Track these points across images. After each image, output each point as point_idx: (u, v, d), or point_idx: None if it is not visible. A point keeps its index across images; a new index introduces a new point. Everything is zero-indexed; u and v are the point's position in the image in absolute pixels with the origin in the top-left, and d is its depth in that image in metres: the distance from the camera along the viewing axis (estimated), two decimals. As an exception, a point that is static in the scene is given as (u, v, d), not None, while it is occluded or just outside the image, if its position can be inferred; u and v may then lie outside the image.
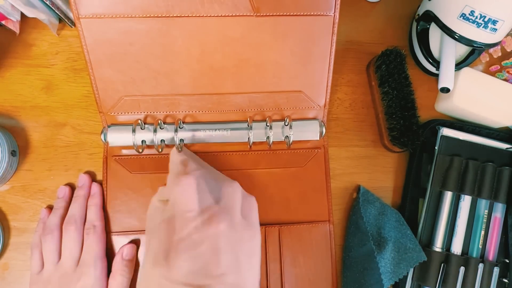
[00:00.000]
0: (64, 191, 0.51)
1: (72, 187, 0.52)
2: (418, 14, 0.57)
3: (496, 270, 0.53)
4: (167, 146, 0.52)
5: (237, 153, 0.53)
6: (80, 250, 0.47)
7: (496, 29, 0.49)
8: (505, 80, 0.58)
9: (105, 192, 0.51)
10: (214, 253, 0.39)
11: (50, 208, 0.51)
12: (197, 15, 0.46)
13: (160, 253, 0.40)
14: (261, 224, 0.51)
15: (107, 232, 0.50)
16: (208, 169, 0.49)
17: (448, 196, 0.54)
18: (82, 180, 0.51)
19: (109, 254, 0.50)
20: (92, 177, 0.53)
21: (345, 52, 0.59)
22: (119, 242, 0.50)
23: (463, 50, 0.57)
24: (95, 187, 0.51)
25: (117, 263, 0.48)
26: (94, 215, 0.49)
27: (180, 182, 0.42)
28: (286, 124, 0.52)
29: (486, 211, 0.54)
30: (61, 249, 0.47)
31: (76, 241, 0.47)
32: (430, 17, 0.54)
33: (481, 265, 0.52)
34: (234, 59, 0.49)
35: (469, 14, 0.49)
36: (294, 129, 0.52)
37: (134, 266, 0.49)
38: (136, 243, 0.50)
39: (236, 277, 0.40)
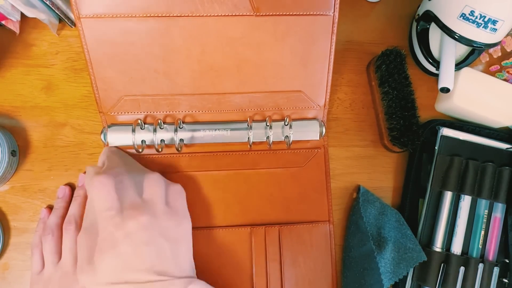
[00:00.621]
0: (64, 191, 0.51)
1: (72, 187, 0.52)
2: (418, 14, 0.57)
3: (496, 270, 0.53)
4: (167, 146, 0.52)
5: (237, 153, 0.53)
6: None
7: (496, 29, 0.49)
8: (505, 80, 0.58)
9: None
10: (137, 247, 0.40)
11: (50, 208, 0.51)
12: (197, 15, 0.46)
13: (84, 259, 0.41)
14: (261, 224, 0.51)
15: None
16: (131, 165, 0.49)
17: (448, 196, 0.54)
18: (82, 180, 0.51)
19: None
20: None
21: (345, 52, 0.59)
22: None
23: (463, 50, 0.57)
24: None
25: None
26: None
27: (94, 183, 0.42)
28: (286, 124, 0.52)
29: (486, 211, 0.54)
30: (62, 249, 0.47)
31: (74, 240, 0.47)
32: (430, 17, 0.54)
33: (481, 265, 0.52)
34: (234, 59, 0.49)
35: (469, 14, 0.49)
36: (294, 129, 0.52)
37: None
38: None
39: (164, 267, 0.40)
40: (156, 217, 0.42)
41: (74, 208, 0.49)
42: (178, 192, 0.47)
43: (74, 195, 0.51)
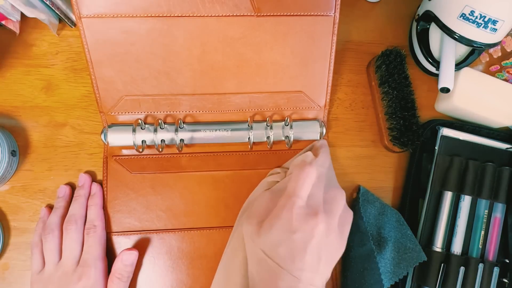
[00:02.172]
0: (64, 190, 0.51)
1: (72, 187, 0.52)
2: (418, 14, 0.57)
3: (496, 270, 0.53)
4: (168, 146, 0.52)
5: (238, 153, 0.53)
6: (81, 250, 0.47)
7: (496, 29, 0.49)
8: (505, 80, 0.58)
9: (105, 192, 0.51)
10: (304, 247, 0.41)
11: (50, 207, 0.51)
12: (198, 15, 0.47)
13: (256, 215, 0.45)
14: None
15: (108, 232, 0.50)
16: (330, 170, 0.50)
17: (448, 196, 0.54)
18: (82, 180, 0.51)
19: (110, 254, 0.50)
20: (93, 176, 0.52)
21: (345, 52, 0.59)
22: (120, 242, 0.50)
23: (463, 50, 0.57)
24: (95, 187, 0.51)
25: (116, 267, 0.47)
26: (94, 215, 0.49)
27: (305, 169, 0.44)
28: (287, 124, 0.52)
29: (486, 211, 0.54)
30: (62, 248, 0.47)
31: (76, 241, 0.47)
32: (430, 17, 0.54)
33: (481, 265, 0.52)
34: (234, 59, 0.49)
35: (469, 14, 0.49)
36: (295, 129, 0.52)
37: (134, 270, 0.49)
38: (136, 243, 0.50)
39: (311, 277, 0.41)
40: (329, 232, 0.43)
41: (74, 208, 0.49)
42: (349, 218, 0.47)
43: (75, 195, 0.51)
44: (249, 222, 0.45)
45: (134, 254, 0.49)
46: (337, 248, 0.45)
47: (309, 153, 0.49)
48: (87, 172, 0.53)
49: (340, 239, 0.45)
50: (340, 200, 0.46)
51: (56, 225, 0.48)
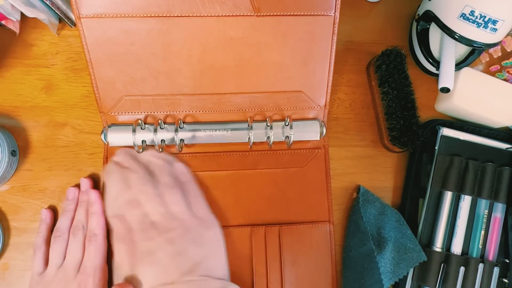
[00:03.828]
0: (73, 193, 0.51)
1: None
2: (418, 14, 0.57)
3: (496, 270, 0.53)
4: (168, 146, 0.52)
5: (238, 153, 0.53)
6: (82, 256, 0.47)
7: (496, 29, 0.49)
8: (505, 80, 0.58)
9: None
10: (172, 256, 0.45)
11: (51, 209, 0.51)
12: (198, 15, 0.46)
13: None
14: (261, 224, 0.51)
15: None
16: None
17: (448, 196, 0.54)
18: (84, 185, 0.51)
19: (110, 255, 0.50)
20: (96, 179, 0.52)
21: (345, 52, 0.59)
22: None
23: (463, 50, 0.57)
24: (93, 195, 0.49)
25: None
26: (95, 223, 0.48)
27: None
28: (287, 124, 0.52)
29: (486, 211, 0.54)
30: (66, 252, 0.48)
31: (80, 247, 0.47)
32: (430, 17, 0.54)
33: (481, 265, 0.52)
34: (234, 59, 0.49)
35: (469, 14, 0.49)
36: (295, 129, 0.52)
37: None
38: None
39: (200, 269, 0.44)
40: (186, 230, 0.45)
41: (80, 214, 0.49)
42: (198, 196, 0.49)
43: (79, 200, 0.50)
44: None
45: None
46: (206, 232, 0.47)
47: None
48: (90, 175, 0.53)
49: (204, 223, 0.48)
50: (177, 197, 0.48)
51: (67, 229, 0.48)
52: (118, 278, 0.46)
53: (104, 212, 0.49)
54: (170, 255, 0.43)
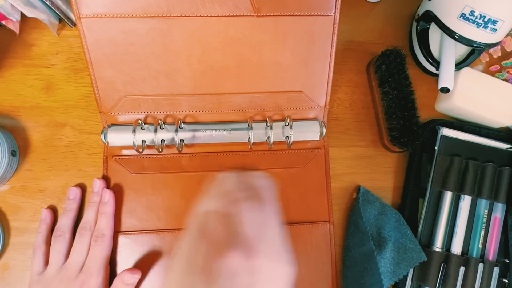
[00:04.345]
0: (75, 192, 0.51)
1: (81, 188, 0.52)
2: (418, 14, 0.57)
3: (496, 270, 0.53)
4: (168, 146, 0.52)
5: (238, 153, 0.53)
6: (87, 256, 0.47)
7: (496, 29, 0.49)
8: (505, 80, 0.58)
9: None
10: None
11: (51, 208, 0.51)
12: (198, 15, 0.46)
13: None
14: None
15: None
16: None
17: (448, 196, 0.54)
18: (96, 186, 0.51)
19: (113, 254, 0.50)
20: (106, 181, 0.52)
21: (345, 52, 0.59)
22: (120, 242, 0.50)
23: (463, 50, 0.57)
24: (107, 195, 0.50)
25: (116, 285, 0.47)
26: (104, 223, 0.49)
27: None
28: (287, 124, 0.52)
29: (486, 211, 0.54)
30: (69, 251, 0.47)
31: (86, 247, 0.47)
32: (430, 17, 0.54)
33: (481, 265, 0.52)
34: (234, 59, 0.49)
35: (469, 14, 0.49)
36: (295, 129, 0.52)
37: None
38: (137, 243, 0.50)
39: None
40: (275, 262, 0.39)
41: (89, 215, 0.49)
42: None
43: (90, 201, 0.50)
44: (189, 274, 0.38)
45: (136, 277, 0.48)
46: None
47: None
48: (102, 177, 0.52)
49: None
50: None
51: (67, 228, 0.48)
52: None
53: (114, 213, 0.50)
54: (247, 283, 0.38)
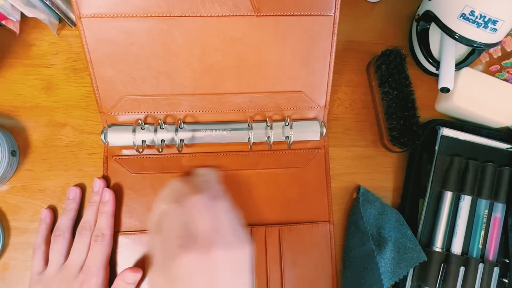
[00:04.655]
0: (75, 192, 0.51)
1: (81, 188, 0.52)
2: (418, 14, 0.57)
3: (496, 270, 0.53)
4: (168, 146, 0.52)
5: (237, 153, 0.53)
6: (86, 256, 0.47)
7: (496, 29, 0.49)
8: (505, 80, 0.58)
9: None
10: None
11: (51, 208, 0.51)
12: (198, 15, 0.46)
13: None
14: (261, 225, 0.51)
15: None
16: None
17: (448, 196, 0.54)
18: (97, 186, 0.51)
19: (113, 254, 0.50)
20: (106, 181, 0.52)
21: (345, 52, 0.59)
22: (120, 242, 0.50)
23: (463, 50, 0.57)
24: (108, 195, 0.50)
25: (117, 284, 0.47)
26: (104, 223, 0.49)
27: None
28: (287, 124, 0.52)
29: (486, 211, 0.54)
30: (69, 251, 0.47)
31: (86, 246, 0.47)
32: (430, 17, 0.54)
33: (481, 265, 0.52)
34: (234, 59, 0.49)
35: (469, 14, 0.49)
36: (295, 129, 0.52)
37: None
38: (137, 243, 0.50)
39: None
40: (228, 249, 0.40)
41: (89, 214, 0.49)
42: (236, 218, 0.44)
43: (90, 200, 0.50)
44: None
45: (137, 275, 0.48)
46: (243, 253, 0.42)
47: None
48: (102, 177, 0.52)
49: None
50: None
51: (67, 228, 0.48)
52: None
53: (114, 212, 0.50)
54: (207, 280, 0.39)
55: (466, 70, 0.56)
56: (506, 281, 0.53)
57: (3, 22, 0.49)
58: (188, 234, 0.40)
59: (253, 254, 0.42)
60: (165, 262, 0.40)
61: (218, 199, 0.44)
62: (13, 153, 0.51)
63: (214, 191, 0.46)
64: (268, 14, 0.47)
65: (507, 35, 0.55)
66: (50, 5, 0.49)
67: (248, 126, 0.51)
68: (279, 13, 0.47)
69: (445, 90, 0.53)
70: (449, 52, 0.54)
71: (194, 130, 0.52)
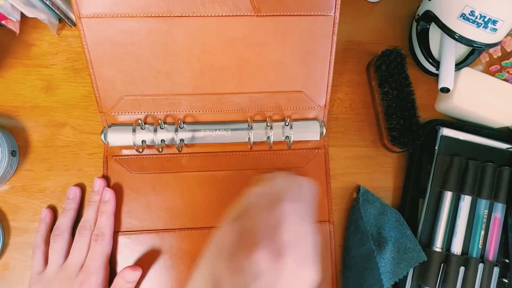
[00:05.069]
0: (75, 192, 0.51)
1: (81, 188, 0.52)
2: (418, 14, 0.57)
3: (496, 270, 0.53)
4: (168, 146, 0.52)
5: (238, 153, 0.53)
6: (86, 255, 0.47)
7: (496, 29, 0.49)
8: (505, 80, 0.58)
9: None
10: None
11: (51, 208, 0.51)
12: (198, 15, 0.46)
13: (224, 254, 0.39)
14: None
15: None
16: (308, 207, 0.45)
17: (448, 196, 0.54)
18: (97, 185, 0.51)
19: (114, 253, 0.50)
20: (106, 181, 0.52)
21: (345, 52, 0.59)
22: (120, 242, 0.50)
23: (463, 50, 0.57)
24: (108, 194, 0.50)
25: (117, 283, 0.47)
26: (104, 222, 0.49)
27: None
28: (287, 124, 0.52)
29: (486, 211, 0.54)
30: (68, 251, 0.47)
31: (86, 246, 0.47)
32: (430, 17, 0.54)
33: (481, 265, 0.52)
34: (234, 59, 0.49)
35: (469, 14, 0.49)
36: (295, 129, 0.52)
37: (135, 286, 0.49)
38: (136, 243, 0.50)
39: None
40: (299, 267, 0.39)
41: (89, 214, 0.49)
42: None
43: (90, 200, 0.50)
44: (218, 261, 0.39)
45: (137, 273, 0.48)
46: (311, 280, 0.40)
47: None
48: (102, 176, 0.52)
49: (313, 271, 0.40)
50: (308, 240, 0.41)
51: (66, 228, 0.48)
52: None
53: (114, 212, 0.50)
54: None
55: (466, 70, 0.56)
56: (506, 281, 0.53)
57: (3, 22, 0.49)
58: (270, 235, 0.39)
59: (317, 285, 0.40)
60: (235, 252, 0.38)
61: (310, 217, 0.42)
62: (13, 153, 0.51)
63: (310, 206, 0.43)
64: (268, 14, 0.47)
65: (507, 35, 0.55)
66: (50, 5, 0.49)
67: (248, 126, 0.51)
68: (279, 13, 0.47)
69: (445, 90, 0.53)
70: (449, 52, 0.54)
71: (194, 130, 0.52)
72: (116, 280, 0.47)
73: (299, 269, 0.38)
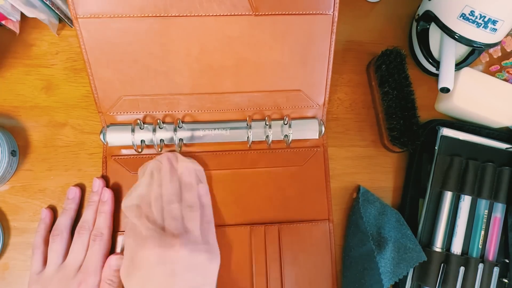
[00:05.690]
0: (74, 192, 0.51)
1: (81, 188, 0.52)
2: (418, 14, 0.57)
3: (496, 270, 0.53)
4: (167, 145, 0.52)
5: (237, 152, 0.53)
6: (85, 255, 0.47)
7: (496, 29, 0.49)
8: (505, 80, 0.58)
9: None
10: (169, 276, 0.42)
11: (51, 208, 0.51)
12: (195, 15, 0.47)
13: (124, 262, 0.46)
14: (261, 223, 0.51)
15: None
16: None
17: (448, 196, 0.54)
18: (96, 185, 0.51)
19: (110, 253, 0.50)
20: (106, 181, 0.52)
21: (345, 52, 0.59)
22: (120, 241, 0.50)
23: (463, 50, 0.57)
24: (107, 194, 0.50)
25: (105, 273, 0.47)
26: (103, 223, 0.49)
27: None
28: (285, 123, 0.52)
29: (486, 211, 0.54)
30: (67, 251, 0.47)
31: (84, 246, 0.47)
32: (430, 17, 0.54)
33: (481, 265, 0.52)
34: (233, 58, 0.49)
35: (469, 14, 0.49)
36: (294, 128, 0.52)
37: None
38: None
39: None
40: (194, 252, 0.44)
41: (88, 214, 0.49)
42: (211, 223, 0.49)
43: (89, 200, 0.50)
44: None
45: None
46: (209, 263, 0.45)
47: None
48: (101, 176, 0.52)
49: (211, 254, 0.46)
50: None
51: (65, 228, 0.49)
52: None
53: (113, 212, 0.50)
54: (166, 273, 0.42)
55: (466, 70, 0.56)
56: (506, 281, 0.53)
57: (3, 22, 0.50)
58: (157, 227, 0.44)
59: (217, 267, 0.46)
60: (132, 250, 0.44)
61: (198, 204, 0.48)
62: (13, 153, 0.51)
63: (195, 190, 0.49)
64: (266, 13, 0.47)
65: (507, 35, 0.55)
66: (50, 5, 0.49)
67: (247, 125, 0.51)
68: (277, 12, 0.47)
69: (445, 90, 0.53)
70: (449, 52, 0.54)
71: (193, 130, 0.52)
72: (104, 271, 0.47)
73: (192, 253, 0.44)
